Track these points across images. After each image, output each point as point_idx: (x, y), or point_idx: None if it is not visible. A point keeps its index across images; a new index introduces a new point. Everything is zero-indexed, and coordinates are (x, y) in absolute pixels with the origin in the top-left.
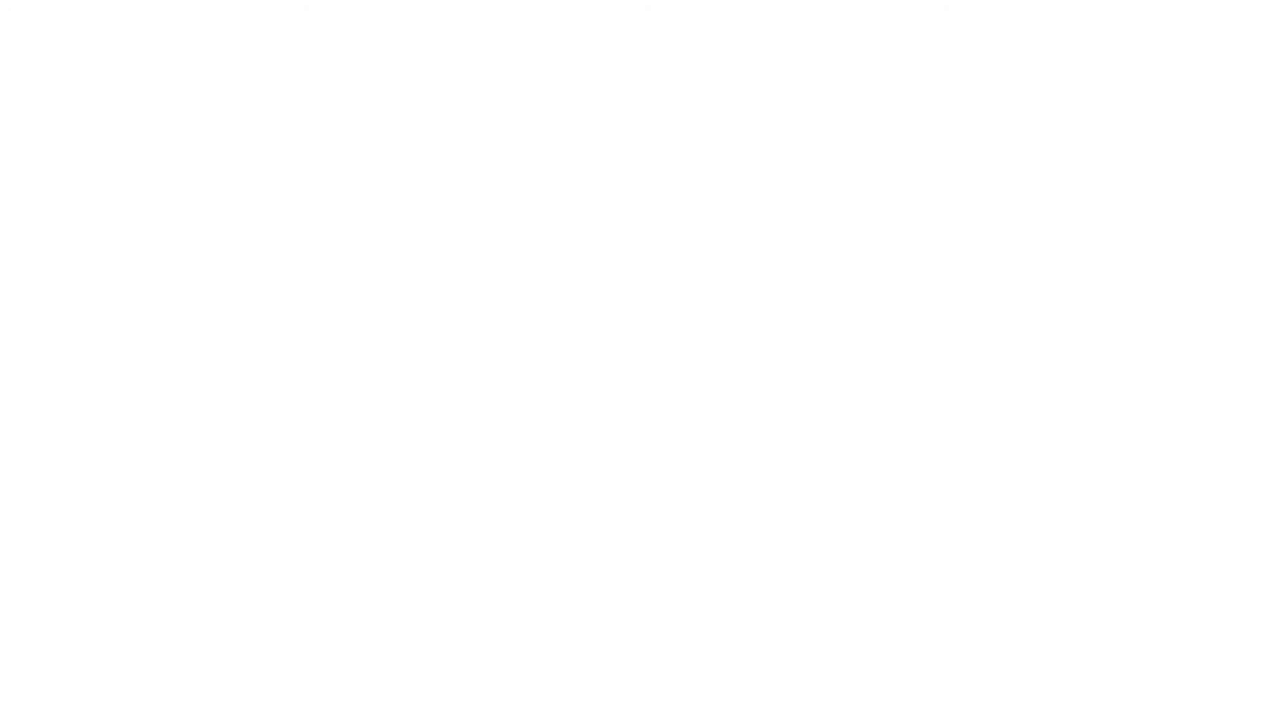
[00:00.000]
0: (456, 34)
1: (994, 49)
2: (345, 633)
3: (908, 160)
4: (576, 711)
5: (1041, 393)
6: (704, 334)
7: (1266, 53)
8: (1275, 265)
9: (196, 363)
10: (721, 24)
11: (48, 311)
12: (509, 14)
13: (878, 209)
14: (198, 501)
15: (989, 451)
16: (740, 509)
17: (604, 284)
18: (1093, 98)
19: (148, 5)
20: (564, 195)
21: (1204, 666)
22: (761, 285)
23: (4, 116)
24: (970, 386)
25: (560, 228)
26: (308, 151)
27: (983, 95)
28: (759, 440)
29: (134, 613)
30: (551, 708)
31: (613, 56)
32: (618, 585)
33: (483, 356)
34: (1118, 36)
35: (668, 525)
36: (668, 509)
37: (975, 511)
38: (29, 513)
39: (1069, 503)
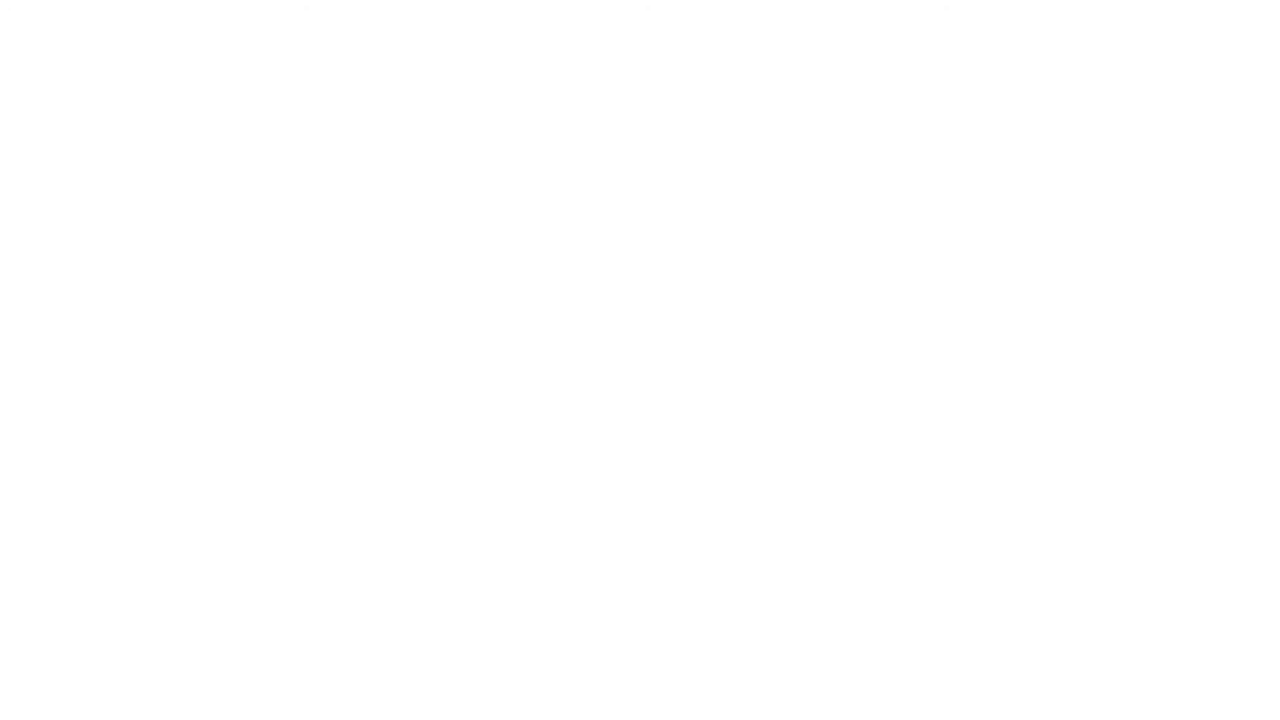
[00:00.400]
0: (456, 34)
1: (994, 49)
2: (345, 632)
3: (907, 160)
4: (577, 711)
5: (1042, 391)
6: (704, 333)
7: (1267, 53)
8: (1275, 265)
9: (196, 361)
10: (721, 24)
11: (48, 311)
12: (509, 14)
13: (878, 208)
14: (197, 500)
15: (989, 450)
16: (740, 507)
17: (604, 283)
18: (1093, 97)
19: (148, 5)
20: (564, 195)
21: (1204, 666)
22: (762, 284)
23: (4, 116)
24: (970, 385)
25: (560, 227)
26: (308, 151)
27: (983, 95)
28: (759, 439)
29: (134, 612)
30: (552, 708)
31: (613, 56)
32: (618, 584)
33: (482, 355)
34: (1118, 36)
35: (668, 523)
36: (667, 507)
37: (975, 510)
38: (29, 512)
39: (1069, 501)
